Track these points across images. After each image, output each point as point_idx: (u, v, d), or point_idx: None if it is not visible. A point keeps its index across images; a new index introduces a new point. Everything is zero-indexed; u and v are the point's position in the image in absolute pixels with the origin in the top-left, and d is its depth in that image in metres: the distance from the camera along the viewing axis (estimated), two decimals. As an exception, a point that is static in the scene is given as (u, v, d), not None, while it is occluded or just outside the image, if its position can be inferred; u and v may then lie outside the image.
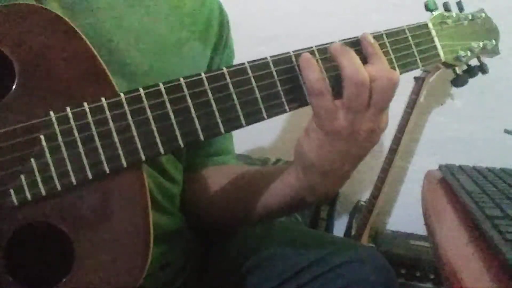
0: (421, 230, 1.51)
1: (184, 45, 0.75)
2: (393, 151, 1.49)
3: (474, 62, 0.75)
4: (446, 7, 0.74)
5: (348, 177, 0.64)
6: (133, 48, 0.68)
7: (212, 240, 0.85)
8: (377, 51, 0.62)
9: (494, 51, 0.76)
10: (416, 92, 1.48)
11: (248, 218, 0.74)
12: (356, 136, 0.60)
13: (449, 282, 0.46)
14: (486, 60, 0.77)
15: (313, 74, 0.59)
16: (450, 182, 0.74)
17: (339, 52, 0.60)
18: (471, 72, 0.74)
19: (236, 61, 0.85)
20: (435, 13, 0.72)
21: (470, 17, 0.75)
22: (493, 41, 0.75)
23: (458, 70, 0.74)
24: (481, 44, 0.74)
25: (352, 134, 0.60)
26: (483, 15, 0.76)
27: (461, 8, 0.75)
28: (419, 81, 1.47)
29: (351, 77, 0.59)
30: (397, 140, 1.49)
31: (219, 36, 0.80)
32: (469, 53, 0.72)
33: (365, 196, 1.60)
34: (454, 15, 0.73)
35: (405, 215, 1.69)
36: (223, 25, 0.82)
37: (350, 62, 0.59)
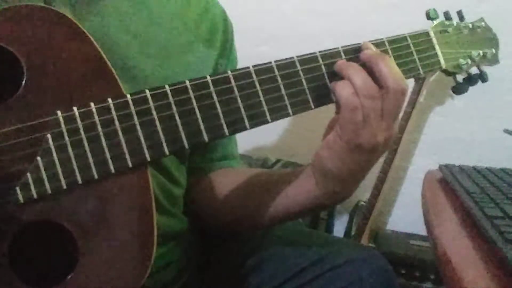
0: (421, 230, 1.51)
1: (189, 49, 0.75)
2: (393, 151, 1.49)
3: (474, 70, 0.76)
4: (447, 16, 0.75)
5: (363, 179, 0.66)
6: (137, 51, 0.68)
7: (213, 241, 0.85)
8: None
9: (494, 60, 0.77)
10: (416, 92, 1.48)
11: (258, 222, 0.74)
12: (376, 147, 0.61)
13: (449, 282, 0.46)
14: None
15: (348, 89, 0.60)
16: (450, 182, 0.74)
17: (346, 66, 0.62)
18: (471, 80, 0.75)
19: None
20: (436, 21, 0.73)
21: (470, 26, 0.76)
22: (493, 50, 0.76)
23: (459, 78, 0.75)
24: (481, 52, 0.75)
25: (373, 147, 0.61)
26: (483, 24, 0.77)
27: (461, 17, 0.76)
28: (419, 81, 1.47)
29: (363, 90, 0.60)
30: (397, 140, 1.49)
31: (224, 42, 0.81)
32: (469, 61, 0.73)
33: (365, 196, 1.60)
34: (454, 24, 0.74)
35: (405, 215, 1.69)
36: (227, 32, 0.82)
37: (358, 74, 0.61)
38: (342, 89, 0.61)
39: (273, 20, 1.63)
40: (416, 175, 1.64)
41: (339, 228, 1.72)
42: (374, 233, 1.64)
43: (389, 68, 0.61)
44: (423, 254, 1.48)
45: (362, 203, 1.63)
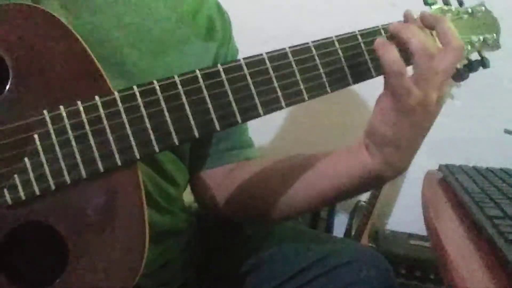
0: (421, 230, 1.51)
1: (185, 44, 0.74)
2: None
3: (474, 56, 0.75)
4: (446, 1, 0.74)
5: (419, 147, 0.66)
6: (132, 47, 0.68)
7: (213, 240, 0.85)
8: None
9: (495, 45, 0.75)
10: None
11: (300, 206, 0.73)
12: (429, 108, 0.61)
13: (449, 282, 0.46)
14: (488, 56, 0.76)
15: (391, 54, 0.60)
16: (450, 182, 0.74)
17: (401, 27, 0.63)
18: (471, 66, 0.74)
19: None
20: (434, 7, 0.72)
21: (470, 11, 0.74)
22: (494, 34, 0.74)
23: (459, 65, 0.74)
24: (481, 38, 0.73)
25: (426, 107, 0.61)
26: (483, 8, 0.75)
27: (460, 2, 0.75)
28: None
29: (422, 49, 0.60)
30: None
31: (224, 32, 0.81)
32: (469, 47, 0.72)
33: (365, 196, 1.60)
34: (453, 9, 0.73)
35: (405, 215, 1.68)
36: (225, 23, 0.82)
37: (415, 35, 0.61)
38: (386, 57, 0.61)
39: (273, 20, 1.63)
40: (416, 175, 1.63)
41: (339, 228, 1.72)
42: (374, 233, 1.63)
43: (451, 26, 0.63)
44: (423, 254, 1.48)
45: (362, 203, 1.63)
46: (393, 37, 0.64)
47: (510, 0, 1.43)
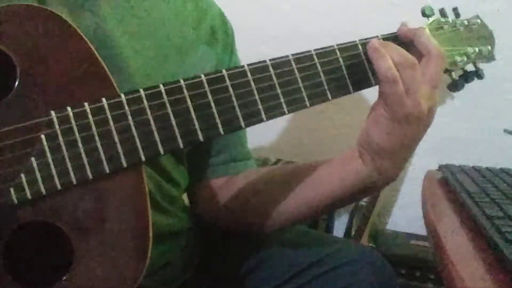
0: (421, 230, 1.51)
1: (188, 49, 0.75)
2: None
3: (470, 67, 0.76)
4: (443, 13, 0.75)
5: (410, 155, 0.68)
6: (134, 50, 0.68)
7: (213, 240, 0.85)
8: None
9: (490, 57, 0.77)
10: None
11: (296, 216, 0.73)
12: (422, 117, 0.63)
13: (449, 282, 0.46)
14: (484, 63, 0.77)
15: (386, 62, 0.62)
16: (450, 182, 0.75)
17: (381, 44, 0.64)
18: (467, 77, 0.75)
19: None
20: (432, 19, 0.73)
21: (466, 23, 0.75)
22: (489, 47, 0.76)
23: (454, 75, 0.75)
24: (476, 49, 0.74)
25: (418, 116, 0.62)
26: (479, 21, 0.77)
27: (457, 14, 0.76)
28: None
29: (403, 59, 0.62)
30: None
31: (226, 42, 0.81)
32: (465, 59, 0.73)
33: (365, 196, 1.60)
34: (450, 21, 0.74)
35: (405, 215, 1.69)
36: (228, 33, 0.82)
37: (394, 50, 0.63)
38: (380, 63, 0.62)
39: (273, 20, 1.63)
40: (416, 175, 1.63)
41: (339, 228, 1.72)
42: (374, 233, 1.63)
43: (429, 36, 0.65)
44: (423, 254, 1.48)
45: (362, 203, 1.63)
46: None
47: (510, 0, 1.43)
